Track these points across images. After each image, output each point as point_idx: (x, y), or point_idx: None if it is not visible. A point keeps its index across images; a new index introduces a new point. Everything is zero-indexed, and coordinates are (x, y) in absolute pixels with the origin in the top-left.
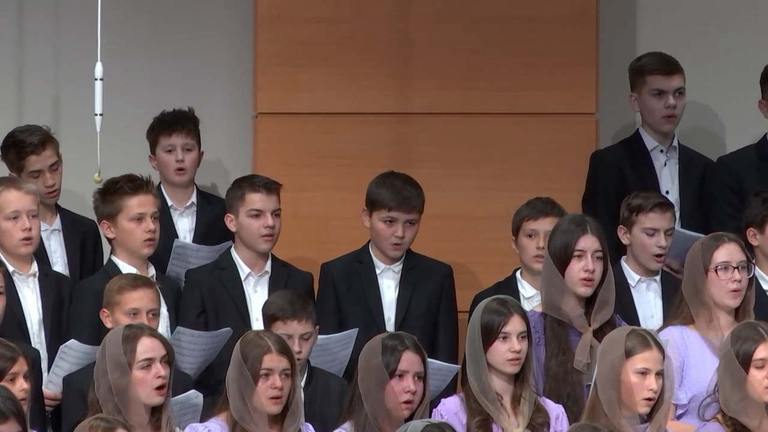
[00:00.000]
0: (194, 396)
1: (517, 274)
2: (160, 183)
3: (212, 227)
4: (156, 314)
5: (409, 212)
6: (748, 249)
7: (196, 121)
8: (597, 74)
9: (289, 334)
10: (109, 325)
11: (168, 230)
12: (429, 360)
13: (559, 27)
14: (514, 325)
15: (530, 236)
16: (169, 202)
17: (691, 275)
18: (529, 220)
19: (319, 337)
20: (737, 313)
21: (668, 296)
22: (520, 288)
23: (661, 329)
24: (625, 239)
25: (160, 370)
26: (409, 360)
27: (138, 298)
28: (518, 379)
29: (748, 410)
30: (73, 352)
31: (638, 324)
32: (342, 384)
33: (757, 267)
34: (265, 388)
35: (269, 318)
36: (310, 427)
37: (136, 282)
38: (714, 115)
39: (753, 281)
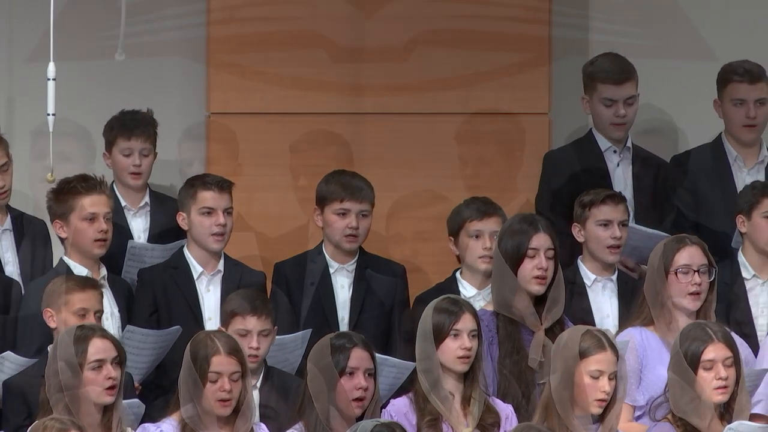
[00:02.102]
0: (136, 405)
1: (457, 274)
2: (113, 182)
3: (166, 227)
4: (101, 316)
5: (361, 202)
6: (738, 236)
7: (155, 124)
8: (550, 74)
9: (247, 330)
10: (53, 324)
11: (122, 231)
12: (386, 357)
13: (512, 27)
14: (465, 322)
15: (476, 237)
16: (123, 203)
17: (652, 276)
18: (472, 221)
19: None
20: (698, 316)
21: (624, 296)
22: (460, 288)
23: (621, 330)
24: (580, 237)
25: (110, 371)
26: (358, 357)
27: (87, 299)
28: (468, 378)
29: (698, 411)
30: (10, 364)
31: (593, 324)
32: (299, 384)
33: (742, 254)
34: (213, 390)
35: (228, 314)
36: (263, 426)
37: (86, 283)
38: (667, 116)
39: (714, 285)
